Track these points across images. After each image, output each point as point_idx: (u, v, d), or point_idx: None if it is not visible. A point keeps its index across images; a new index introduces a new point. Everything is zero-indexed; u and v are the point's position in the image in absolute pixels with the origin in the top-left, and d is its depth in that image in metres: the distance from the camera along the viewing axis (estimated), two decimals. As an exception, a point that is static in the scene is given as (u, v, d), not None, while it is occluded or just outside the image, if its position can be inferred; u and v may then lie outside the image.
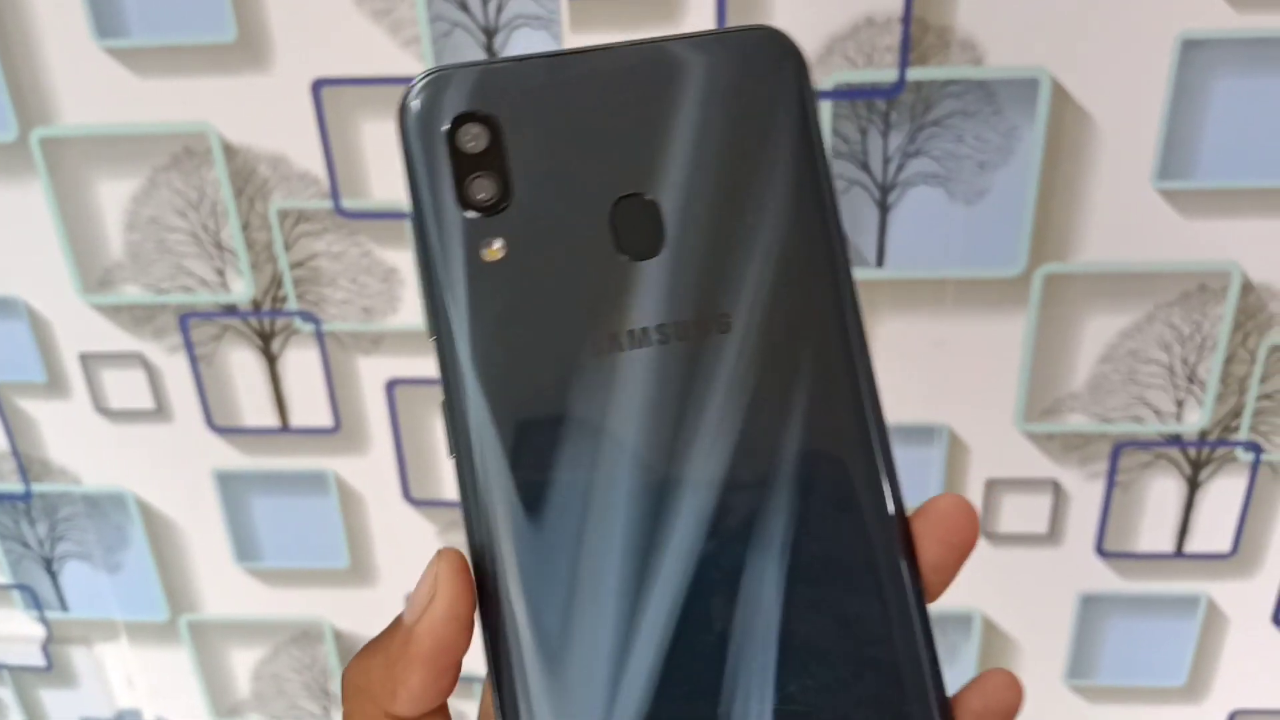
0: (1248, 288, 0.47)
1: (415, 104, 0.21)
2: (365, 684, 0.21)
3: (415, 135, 0.21)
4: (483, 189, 0.21)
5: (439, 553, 0.21)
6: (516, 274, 0.21)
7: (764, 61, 0.22)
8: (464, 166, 0.21)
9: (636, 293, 0.21)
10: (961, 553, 0.21)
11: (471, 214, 0.21)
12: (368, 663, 0.21)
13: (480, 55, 0.45)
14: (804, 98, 0.22)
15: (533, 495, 0.21)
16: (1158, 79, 0.44)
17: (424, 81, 0.21)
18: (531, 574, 0.20)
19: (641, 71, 0.21)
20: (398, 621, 0.21)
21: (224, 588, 0.60)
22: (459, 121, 0.21)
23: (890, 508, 0.21)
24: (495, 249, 0.21)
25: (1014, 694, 0.21)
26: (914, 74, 0.44)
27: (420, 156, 0.21)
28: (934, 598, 0.22)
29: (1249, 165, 0.45)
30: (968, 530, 0.21)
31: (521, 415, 0.21)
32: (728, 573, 0.21)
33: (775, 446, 0.21)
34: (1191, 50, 0.43)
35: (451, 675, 0.21)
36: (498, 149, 0.21)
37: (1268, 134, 0.44)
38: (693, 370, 0.21)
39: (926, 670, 0.21)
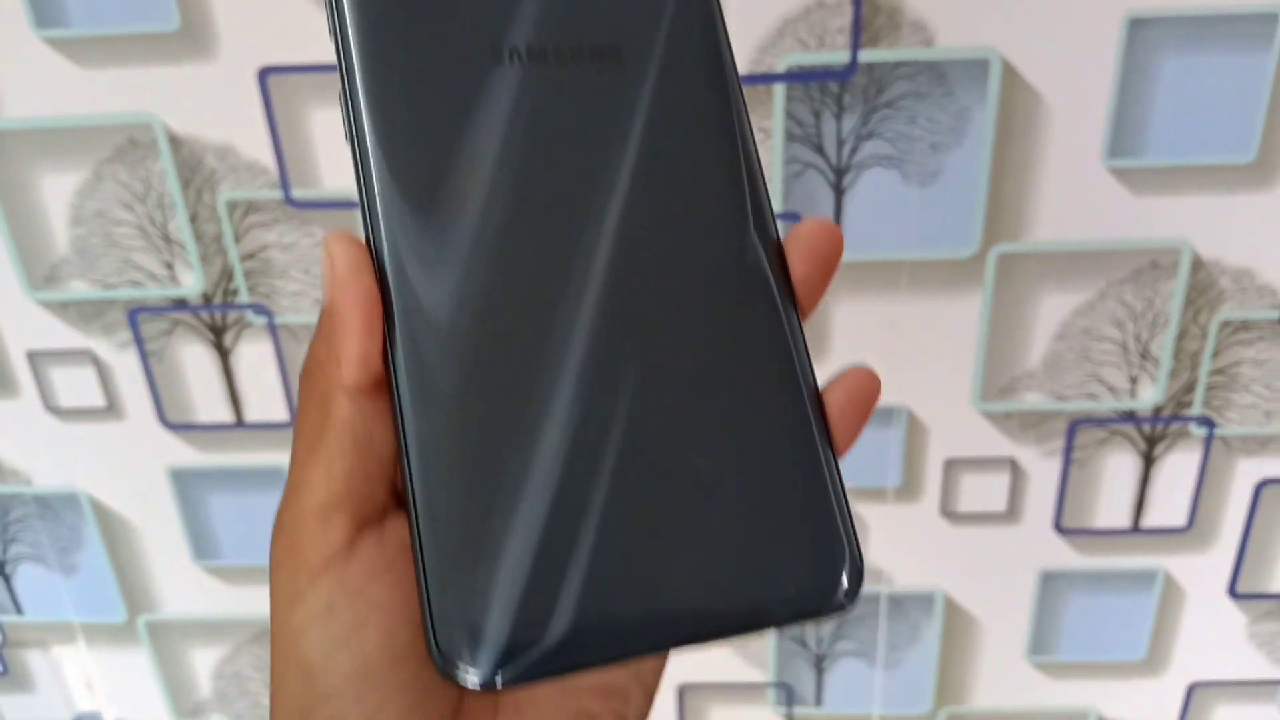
0: (1198, 264, 0.48)
1: None
2: (313, 367, 0.22)
3: None
4: None
5: (323, 239, 0.22)
6: None
7: None
8: None
9: (535, 14, 0.22)
10: (826, 267, 0.23)
11: None
12: (311, 351, 0.22)
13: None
14: None
15: (422, 182, 0.21)
16: (1106, 58, 0.44)
17: None
18: (419, 258, 0.21)
19: None
20: (322, 311, 0.22)
21: (182, 587, 0.59)
22: None
23: (770, 232, 0.23)
24: None
25: (874, 383, 0.23)
26: (866, 56, 0.44)
27: None
28: (806, 314, 0.23)
29: (1198, 142, 0.45)
30: (830, 245, 0.23)
31: (417, 104, 0.22)
32: (615, 292, 0.22)
33: (657, 166, 0.22)
34: (1139, 29, 0.43)
35: (383, 332, 0.22)
36: None
37: (1215, 111, 0.45)
38: (586, 92, 0.22)
39: (799, 368, 0.23)
